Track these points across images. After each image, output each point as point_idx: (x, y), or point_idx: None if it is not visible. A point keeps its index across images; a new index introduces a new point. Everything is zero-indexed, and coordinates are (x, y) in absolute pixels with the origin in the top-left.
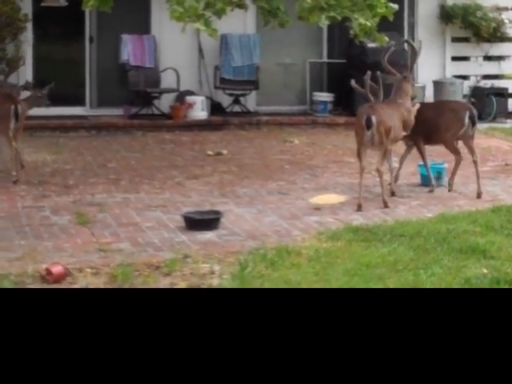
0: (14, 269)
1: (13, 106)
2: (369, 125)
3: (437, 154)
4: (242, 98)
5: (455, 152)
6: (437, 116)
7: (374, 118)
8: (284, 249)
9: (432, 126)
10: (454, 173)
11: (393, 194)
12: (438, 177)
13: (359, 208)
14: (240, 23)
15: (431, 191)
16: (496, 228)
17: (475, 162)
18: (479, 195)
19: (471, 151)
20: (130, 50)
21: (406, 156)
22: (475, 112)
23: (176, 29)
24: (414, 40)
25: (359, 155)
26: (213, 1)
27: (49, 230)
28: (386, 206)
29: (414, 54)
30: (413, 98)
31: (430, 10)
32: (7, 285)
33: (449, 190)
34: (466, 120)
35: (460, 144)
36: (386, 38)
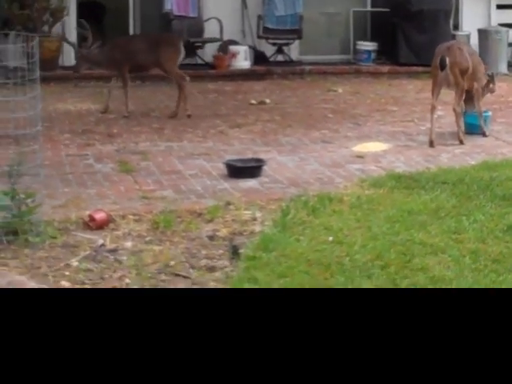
0: (57, 216)
1: None
2: (443, 65)
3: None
4: (285, 48)
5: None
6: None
7: (448, 60)
8: (326, 196)
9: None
10: (181, 99)
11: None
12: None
13: (431, 144)
14: None
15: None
16: None
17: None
18: None
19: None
20: None
21: None
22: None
23: None
24: None
25: (432, 93)
26: None
27: (92, 178)
28: (461, 143)
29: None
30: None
31: None
32: (51, 231)
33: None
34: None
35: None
36: None
